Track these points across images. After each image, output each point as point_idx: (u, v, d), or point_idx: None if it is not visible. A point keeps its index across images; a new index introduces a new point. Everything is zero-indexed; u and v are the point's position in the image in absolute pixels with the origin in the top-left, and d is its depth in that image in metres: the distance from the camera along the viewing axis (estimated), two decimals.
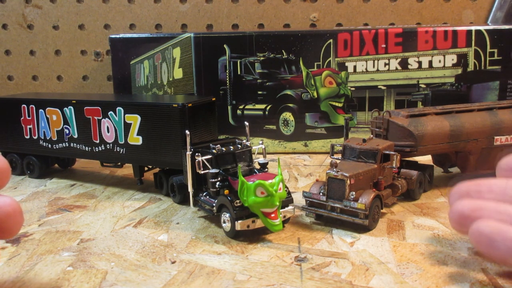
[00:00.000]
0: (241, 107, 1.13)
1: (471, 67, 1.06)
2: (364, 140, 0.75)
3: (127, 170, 0.98)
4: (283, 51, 1.10)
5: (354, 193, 0.67)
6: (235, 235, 0.66)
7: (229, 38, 1.11)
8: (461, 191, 0.59)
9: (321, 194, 0.70)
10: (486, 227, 0.51)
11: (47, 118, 0.94)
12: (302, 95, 1.11)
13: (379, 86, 1.09)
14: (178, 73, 1.14)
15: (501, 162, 0.61)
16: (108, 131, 0.87)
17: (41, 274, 0.58)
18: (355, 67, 1.09)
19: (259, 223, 0.66)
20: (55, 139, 0.94)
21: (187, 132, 0.72)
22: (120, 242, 0.66)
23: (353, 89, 1.10)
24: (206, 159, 0.71)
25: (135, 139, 0.85)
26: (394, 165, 0.73)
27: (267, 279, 0.55)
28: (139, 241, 0.67)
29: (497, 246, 0.50)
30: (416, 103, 1.09)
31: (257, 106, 1.12)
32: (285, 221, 0.69)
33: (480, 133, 0.83)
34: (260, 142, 0.77)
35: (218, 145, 0.72)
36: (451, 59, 1.06)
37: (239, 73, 1.12)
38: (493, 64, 1.06)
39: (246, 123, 0.79)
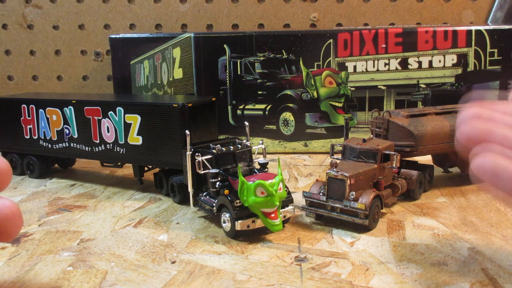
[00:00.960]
0: (241, 107, 1.13)
1: (471, 67, 1.06)
2: (364, 140, 0.75)
3: (127, 170, 0.98)
4: (283, 51, 1.10)
5: (354, 193, 0.67)
6: (235, 235, 0.66)
7: (229, 38, 1.11)
8: (473, 112, 0.54)
9: (321, 194, 0.70)
10: (489, 162, 0.47)
11: (47, 118, 0.94)
12: (302, 95, 1.11)
13: (379, 86, 1.09)
14: (178, 73, 1.14)
15: None
16: (108, 131, 0.87)
17: (41, 274, 0.58)
18: (355, 67, 1.09)
19: (259, 223, 0.66)
20: (55, 139, 0.94)
21: (187, 132, 0.72)
22: (120, 242, 0.66)
23: (353, 89, 1.10)
24: (206, 159, 0.71)
25: (135, 139, 0.85)
26: (394, 165, 0.73)
27: (267, 279, 0.55)
28: (139, 241, 0.67)
29: (501, 180, 0.47)
30: (416, 103, 1.09)
31: (257, 106, 1.13)
32: (285, 221, 0.69)
33: None
34: (260, 142, 0.77)
35: (218, 145, 0.72)
36: (451, 59, 1.06)
37: (239, 73, 1.12)
38: (493, 64, 1.06)
39: (246, 123, 0.79)
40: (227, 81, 1.12)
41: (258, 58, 1.10)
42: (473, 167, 0.48)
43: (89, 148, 0.90)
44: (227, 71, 1.12)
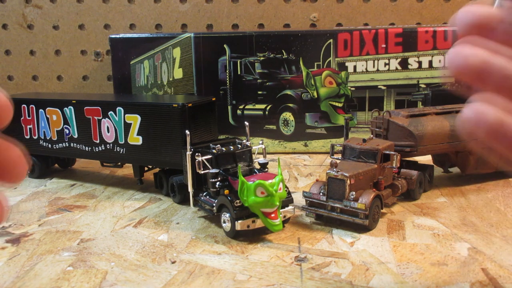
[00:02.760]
0: (241, 107, 1.13)
1: None
2: (364, 140, 0.75)
3: (127, 170, 0.97)
4: (283, 51, 1.10)
5: (354, 193, 0.67)
6: (235, 235, 0.66)
7: (229, 38, 1.11)
8: (467, 41, 0.39)
9: (321, 194, 0.70)
10: (490, 115, 0.36)
11: (47, 118, 0.94)
12: (302, 95, 1.11)
13: (379, 86, 1.09)
14: (178, 73, 1.14)
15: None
16: (108, 131, 0.87)
17: (41, 274, 0.58)
18: (355, 67, 1.09)
19: (259, 223, 0.66)
20: (55, 139, 0.94)
21: (187, 132, 0.72)
22: (120, 242, 0.66)
23: (353, 89, 1.10)
24: (206, 159, 0.71)
25: (135, 139, 0.85)
26: (394, 165, 0.73)
27: (267, 279, 0.55)
28: (139, 241, 0.67)
29: (504, 136, 0.37)
30: (416, 103, 1.09)
31: (257, 106, 1.12)
32: (285, 221, 0.69)
33: None
34: (260, 142, 0.77)
35: (218, 145, 0.72)
36: None
37: (239, 73, 1.12)
38: None
39: (246, 123, 0.79)
40: (227, 81, 1.12)
41: (258, 58, 1.10)
42: (468, 118, 0.38)
43: (89, 148, 0.90)
44: (227, 71, 1.12)
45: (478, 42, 0.39)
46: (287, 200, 0.69)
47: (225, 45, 1.11)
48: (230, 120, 1.13)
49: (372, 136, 0.79)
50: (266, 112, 1.12)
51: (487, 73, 0.38)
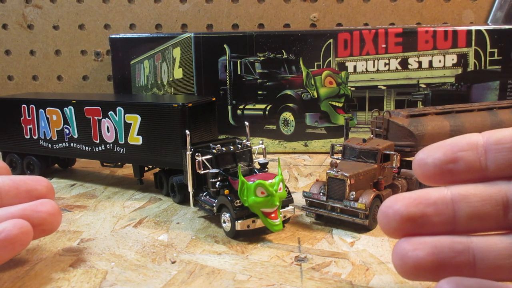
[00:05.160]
0: (241, 107, 1.13)
1: (471, 67, 1.06)
2: (364, 140, 0.75)
3: (127, 170, 0.98)
4: (283, 51, 1.10)
5: (354, 193, 0.67)
6: (235, 235, 0.66)
7: (229, 38, 1.11)
8: (401, 213, 0.44)
9: (321, 194, 0.70)
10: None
11: (47, 118, 0.94)
12: (302, 95, 1.11)
13: (379, 86, 1.09)
14: (178, 73, 1.14)
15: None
16: (108, 131, 0.87)
17: (41, 274, 0.58)
18: (355, 67, 1.09)
19: (259, 223, 0.66)
20: (55, 139, 0.94)
21: (187, 132, 0.72)
22: (120, 242, 0.66)
23: (353, 89, 1.10)
24: (206, 159, 0.71)
25: (135, 139, 0.85)
26: (394, 165, 0.73)
27: (267, 279, 0.55)
28: (139, 241, 0.67)
29: None
30: (416, 103, 1.09)
31: (257, 106, 1.13)
32: (285, 221, 0.69)
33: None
34: (260, 142, 0.77)
35: (218, 145, 0.72)
36: (451, 59, 1.06)
37: (239, 73, 1.12)
38: (493, 64, 1.06)
39: (246, 123, 0.79)
40: (227, 81, 1.12)
41: (258, 58, 1.10)
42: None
43: (89, 148, 0.90)
44: (227, 71, 1.12)
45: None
46: (287, 200, 0.69)
47: (225, 45, 1.11)
48: (230, 120, 1.13)
49: (372, 136, 0.79)
50: (266, 112, 1.12)
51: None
